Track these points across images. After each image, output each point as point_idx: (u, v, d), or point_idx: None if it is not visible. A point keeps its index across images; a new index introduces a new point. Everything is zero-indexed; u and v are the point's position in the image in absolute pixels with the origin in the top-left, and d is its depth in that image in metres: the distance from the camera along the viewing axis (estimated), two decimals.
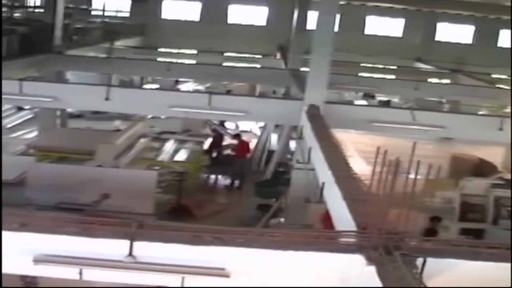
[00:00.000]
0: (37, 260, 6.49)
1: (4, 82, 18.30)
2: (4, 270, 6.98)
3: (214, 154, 28.19)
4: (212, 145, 27.89)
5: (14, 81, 17.78)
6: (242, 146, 26.87)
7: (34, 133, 30.51)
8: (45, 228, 6.61)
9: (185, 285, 6.73)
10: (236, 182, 25.08)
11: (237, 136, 27.47)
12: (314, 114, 15.82)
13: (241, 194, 24.29)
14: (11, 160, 25.42)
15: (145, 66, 30.58)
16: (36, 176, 18.45)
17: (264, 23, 50.54)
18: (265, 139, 29.30)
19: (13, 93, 17.35)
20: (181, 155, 26.39)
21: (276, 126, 29.04)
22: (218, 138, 28.52)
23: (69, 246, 6.51)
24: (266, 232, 7.32)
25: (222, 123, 28.69)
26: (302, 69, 25.59)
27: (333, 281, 6.71)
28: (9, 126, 34.51)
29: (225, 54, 41.96)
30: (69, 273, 6.66)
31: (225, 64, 34.80)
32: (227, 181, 25.70)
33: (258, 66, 36.27)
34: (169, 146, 28.01)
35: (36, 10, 40.91)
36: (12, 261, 6.72)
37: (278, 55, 39.79)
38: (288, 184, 18.83)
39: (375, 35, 50.58)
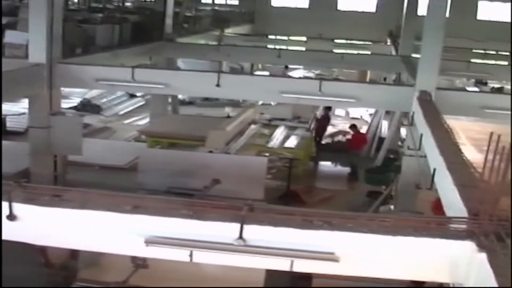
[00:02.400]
0: (149, 242, 6.58)
1: (116, 69, 18.69)
2: (116, 251, 7.12)
3: (326, 141, 28.12)
4: (317, 131, 27.76)
5: (127, 68, 18.09)
6: (358, 137, 26.71)
7: (146, 120, 31.06)
8: (157, 210, 6.69)
9: (294, 269, 6.73)
10: (351, 171, 24.88)
11: (353, 126, 27.29)
12: (425, 100, 15.56)
13: (351, 181, 24.14)
14: (123, 146, 26.05)
15: (255, 53, 30.67)
16: (148, 161, 18.78)
17: (374, 9, 50.10)
18: (375, 126, 29.09)
19: (126, 80, 17.66)
20: (291, 142, 26.43)
21: (387, 112, 28.78)
22: (322, 124, 28.34)
23: (180, 229, 6.58)
24: (376, 217, 7.23)
25: (327, 109, 28.47)
26: (413, 55, 25.23)
27: (442, 267, 6.59)
28: (121, 112, 35.30)
29: (335, 41, 41.76)
30: (180, 255, 6.73)
31: (335, 50, 34.57)
32: (338, 168, 25.61)
33: (368, 52, 35.95)
34: (279, 132, 28.11)
35: None
36: (124, 243, 6.84)
37: (389, 41, 39.39)
38: (398, 171, 18.61)
39: (488, 20, 49.40)
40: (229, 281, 14.00)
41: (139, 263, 12.74)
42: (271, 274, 14.20)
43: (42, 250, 12.97)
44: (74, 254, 13.49)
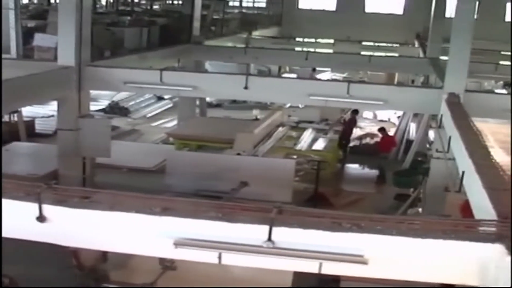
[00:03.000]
0: (178, 244, 6.60)
1: (145, 72, 18.81)
2: (145, 253, 7.14)
3: (353, 143, 28.05)
4: (343, 134, 27.66)
5: (155, 70, 18.19)
6: (387, 140, 26.62)
7: (174, 122, 31.15)
8: (186, 212, 6.71)
9: (322, 271, 6.71)
10: (379, 173, 24.77)
11: (382, 129, 27.18)
12: (454, 102, 15.48)
13: (379, 184, 24.03)
14: (151, 148, 26.16)
15: (283, 55, 30.66)
16: (176, 163, 18.85)
17: (401, 11, 49.92)
18: (403, 128, 28.98)
19: (154, 83, 17.73)
20: (319, 144, 26.40)
21: (415, 115, 28.67)
22: (349, 127, 28.23)
23: (209, 231, 6.59)
24: (405, 220, 7.20)
25: (354, 112, 28.35)
26: (441, 57, 25.11)
27: (471, 270, 6.54)
28: (149, 115, 35.42)
29: (363, 43, 41.61)
30: (208, 257, 6.74)
31: (362, 53, 34.48)
32: (366, 171, 25.52)
33: (396, 54, 35.84)
34: (307, 135, 28.09)
35: (175, 2, 41.81)
36: (153, 245, 6.86)
37: (416, 43, 39.22)
38: (426, 174, 18.53)
39: None
40: (256, 283, 14.00)
41: (167, 265, 12.77)
42: (298, 276, 14.19)
43: (74, 253, 13.05)
44: (105, 256, 13.55)
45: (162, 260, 12.82)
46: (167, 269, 12.79)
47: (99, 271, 13.53)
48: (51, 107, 29.92)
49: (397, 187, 22.19)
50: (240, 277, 14.07)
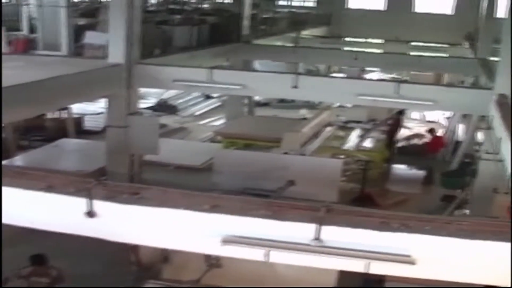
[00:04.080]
0: (226, 241, 6.62)
1: (194, 70, 18.86)
2: (193, 250, 7.18)
3: (401, 144, 27.89)
4: (388, 135, 27.47)
5: (204, 69, 18.23)
6: (436, 141, 26.40)
7: (222, 121, 31.24)
8: (235, 210, 6.73)
9: (370, 271, 6.70)
10: (427, 174, 24.56)
11: (431, 130, 26.94)
12: (504, 103, 15.28)
13: (426, 185, 23.85)
14: (199, 146, 26.27)
15: (332, 55, 30.60)
16: (223, 162, 18.90)
17: (451, 11, 49.48)
18: (452, 129, 28.75)
19: (203, 81, 17.80)
20: (366, 144, 26.29)
21: (463, 116, 28.41)
22: (394, 128, 28.02)
23: (257, 228, 6.60)
24: (454, 220, 7.15)
25: (400, 113, 28.12)
26: (492, 58, 24.85)
27: None
28: (197, 113, 35.58)
29: (412, 43, 41.32)
30: (256, 255, 6.76)
31: (411, 53, 34.23)
32: (413, 171, 25.34)
33: (445, 55, 35.54)
34: (355, 134, 28.00)
35: (225, 1, 41.87)
36: (202, 241, 6.89)
37: (466, 44, 38.88)
38: (474, 175, 18.34)
39: None
40: (301, 281, 13.99)
41: (212, 262, 12.80)
42: (343, 276, 14.15)
43: (133, 249, 13.17)
44: (166, 257, 13.66)
45: (207, 258, 12.85)
46: (212, 266, 12.81)
47: (155, 268, 13.64)
48: (100, 105, 30.18)
49: (444, 188, 22.01)
50: (284, 276, 14.08)
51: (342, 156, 23.37)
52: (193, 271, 12.53)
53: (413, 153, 27.08)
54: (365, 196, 20.65)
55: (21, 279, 11.87)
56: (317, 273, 13.75)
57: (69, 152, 23.64)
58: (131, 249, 13.26)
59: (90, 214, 7.03)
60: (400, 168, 25.75)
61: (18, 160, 21.58)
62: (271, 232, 6.60)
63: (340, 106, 34.21)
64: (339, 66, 42.24)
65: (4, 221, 7.48)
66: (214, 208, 6.77)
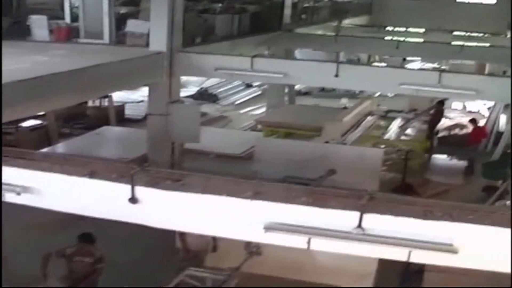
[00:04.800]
0: (268, 228, 6.62)
1: (236, 58, 18.89)
2: (235, 236, 7.18)
3: (442, 134, 27.68)
4: (430, 125, 27.24)
5: (246, 57, 18.23)
6: (478, 131, 26.12)
7: (262, 110, 31.22)
8: (277, 197, 6.72)
9: (411, 259, 6.66)
10: (468, 164, 24.35)
11: (472, 120, 26.65)
12: None
13: (467, 175, 23.66)
14: (239, 135, 26.28)
15: (374, 44, 30.39)
16: (264, 150, 18.87)
17: (493, 1, 48.93)
18: (494, 119, 28.46)
19: (245, 69, 17.79)
20: (407, 134, 26.13)
21: (505, 106, 28.12)
22: (436, 118, 27.77)
23: (299, 216, 6.59)
24: (497, 210, 7.09)
25: (440, 103, 27.83)
26: None
27: None
28: (237, 102, 35.63)
29: (454, 33, 40.92)
30: (298, 242, 6.75)
31: (453, 43, 33.91)
32: (454, 162, 25.15)
33: (487, 44, 35.17)
34: (396, 124, 27.83)
35: None
36: (244, 228, 6.90)
37: (509, 34, 38.43)
38: None
39: None
40: (341, 270, 13.98)
41: (252, 250, 12.80)
42: (382, 267, 14.12)
43: (181, 236, 13.24)
44: (215, 246, 13.72)
45: (247, 245, 12.85)
46: (252, 254, 12.81)
47: (200, 256, 13.71)
48: (141, 93, 30.34)
49: (486, 178, 21.81)
50: (324, 265, 14.07)
51: (383, 146, 23.26)
52: (233, 259, 12.53)
53: (454, 143, 26.85)
54: (406, 186, 20.54)
55: (63, 258, 11.95)
56: (357, 263, 13.76)
57: (110, 139, 23.80)
58: (179, 237, 13.33)
59: (133, 200, 7.06)
60: (441, 159, 25.59)
61: (60, 147, 21.78)
62: (313, 220, 6.59)
63: (381, 96, 34.07)
64: (380, 55, 42.03)
65: (47, 207, 7.54)
66: (257, 195, 6.76)
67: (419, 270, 13.77)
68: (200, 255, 13.69)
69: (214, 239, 13.60)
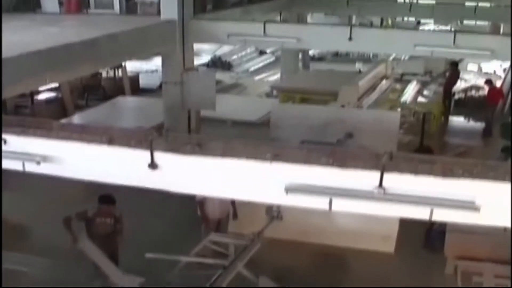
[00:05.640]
0: (289, 190, 6.58)
1: (248, 24, 18.86)
2: (256, 199, 7.15)
3: (458, 96, 27.53)
4: (446, 87, 27.04)
5: (259, 23, 18.16)
6: (494, 92, 25.95)
7: (276, 76, 31.18)
8: (297, 158, 6.67)
9: (433, 218, 6.61)
10: (485, 126, 24.21)
11: (488, 81, 26.44)
12: None
13: (485, 137, 23.55)
14: (255, 102, 26.26)
15: (386, 7, 30.23)
16: (280, 116, 18.79)
17: None
18: (509, 80, 28.28)
19: (258, 35, 17.72)
20: (424, 97, 26.01)
21: None
22: (452, 80, 27.59)
23: (319, 177, 6.54)
24: None
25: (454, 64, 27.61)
26: None
27: None
28: (251, 69, 35.57)
29: None
30: (319, 203, 6.70)
31: (467, 3, 33.62)
32: (472, 124, 25.04)
33: (501, 4, 34.85)
34: (412, 87, 27.71)
35: None
36: (265, 191, 6.86)
37: None
38: None
39: None
40: (362, 234, 13.99)
41: (273, 215, 12.81)
42: (404, 229, 14.12)
43: (201, 206, 13.26)
44: (235, 213, 13.76)
45: (269, 210, 12.87)
46: (273, 219, 12.82)
47: (222, 224, 13.75)
48: (155, 62, 30.34)
49: (504, 139, 21.69)
50: (345, 228, 14.08)
51: (399, 109, 23.16)
52: (255, 224, 12.55)
53: (471, 105, 26.75)
54: (424, 148, 20.45)
55: (83, 221, 12.03)
56: (378, 226, 13.77)
57: (126, 109, 23.84)
58: (199, 207, 13.35)
59: (152, 166, 7.03)
60: (458, 121, 25.50)
61: (76, 118, 21.80)
62: (334, 180, 6.54)
63: (395, 59, 33.89)
64: (393, 18, 41.72)
65: (67, 175, 7.54)
66: (277, 157, 6.72)
67: (441, 232, 13.77)
68: (221, 223, 13.73)
69: (234, 206, 13.64)
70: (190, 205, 13.76)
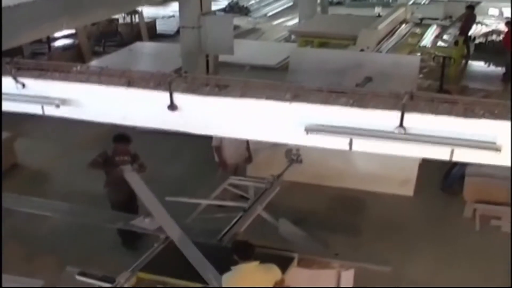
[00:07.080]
0: (309, 130, 6.54)
1: None
2: (276, 140, 7.12)
3: (479, 41, 27.27)
4: (462, 31, 26.71)
5: None
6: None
7: (294, 21, 30.96)
8: (317, 98, 6.63)
9: (453, 158, 6.56)
10: (506, 71, 23.96)
11: (508, 23, 25.98)
12: None
13: (505, 81, 23.35)
14: (273, 46, 26.14)
15: None
16: (299, 61, 18.70)
17: None
18: None
19: None
20: (443, 41, 25.77)
21: None
22: (468, 24, 27.24)
23: (340, 117, 6.50)
24: None
25: (469, 8, 27.20)
26: None
27: None
28: (269, 14, 35.37)
29: None
30: (339, 143, 6.66)
31: None
32: (492, 68, 24.83)
33: None
34: (431, 32, 27.46)
35: None
36: (284, 131, 6.83)
37: None
38: None
39: None
40: (381, 177, 14.00)
41: (293, 158, 12.80)
42: (423, 173, 14.11)
43: (217, 149, 13.27)
44: (250, 157, 13.78)
45: (288, 153, 12.85)
46: (293, 162, 12.81)
47: (239, 168, 13.78)
48: (172, 8, 30.22)
49: None
50: (365, 172, 14.10)
51: (419, 53, 22.98)
52: (274, 168, 12.54)
53: (491, 50, 26.51)
54: (444, 92, 20.33)
55: (102, 164, 12.08)
56: (397, 169, 13.78)
57: (144, 55, 23.79)
58: (215, 151, 13.36)
59: (172, 107, 7.00)
60: (478, 65, 25.30)
61: (94, 64, 21.79)
62: (354, 120, 6.49)
63: (415, 3, 33.59)
64: None
65: (86, 118, 7.53)
66: (296, 98, 6.68)
67: (460, 176, 13.75)
68: (239, 167, 13.76)
69: (249, 150, 13.64)
70: (205, 151, 13.80)
